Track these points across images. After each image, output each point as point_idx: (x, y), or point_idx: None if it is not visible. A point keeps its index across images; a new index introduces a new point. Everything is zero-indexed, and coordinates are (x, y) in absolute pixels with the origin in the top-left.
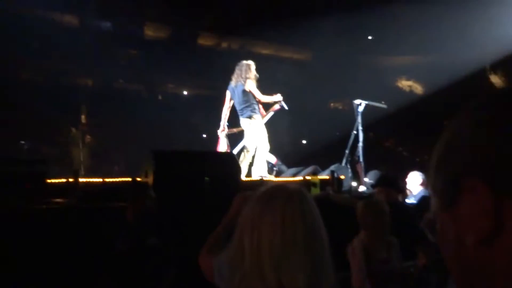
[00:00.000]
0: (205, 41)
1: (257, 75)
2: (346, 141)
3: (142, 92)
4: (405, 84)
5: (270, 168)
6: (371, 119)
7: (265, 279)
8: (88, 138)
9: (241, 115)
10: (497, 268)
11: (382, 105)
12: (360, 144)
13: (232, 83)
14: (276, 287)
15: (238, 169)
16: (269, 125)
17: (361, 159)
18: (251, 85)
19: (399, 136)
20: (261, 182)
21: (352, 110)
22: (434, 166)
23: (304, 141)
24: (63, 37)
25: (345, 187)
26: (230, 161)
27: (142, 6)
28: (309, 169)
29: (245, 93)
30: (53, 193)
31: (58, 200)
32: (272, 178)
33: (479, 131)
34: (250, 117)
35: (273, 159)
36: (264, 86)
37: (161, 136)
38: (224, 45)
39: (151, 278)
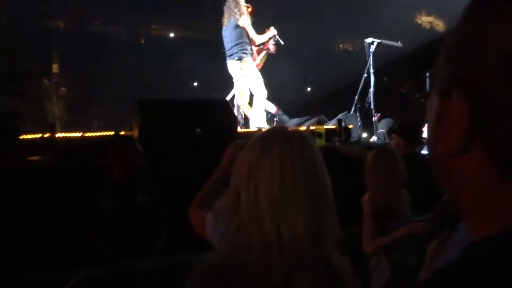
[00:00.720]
0: None
1: (250, 12)
2: (355, 86)
3: (122, 35)
4: (425, 20)
5: (270, 118)
6: (385, 61)
7: (263, 228)
8: (62, 90)
9: (229, 56)
10: (461, 181)
11: (397, 44)
12: (372, 89)
13: (224, 24)
14: (274, 235)
15: (234, 119)
16: (267, 69)
17: (372, 106)
18: (245, 21)
19: (415, 81)
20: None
21: (363, 51)
22: (440, 62)
23: (308, 88)
24: None
25: (353, 137)
26: (225, 110)
27: None
28: (314, 119)
29: (237, 29)
30: (28, 150)
31: (33, 158)
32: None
33: (475, 43)
34: (240, 59)
35: (272, 108)
36: (261, 25)
37: (145, 85)
38: None
39: (142, 237)
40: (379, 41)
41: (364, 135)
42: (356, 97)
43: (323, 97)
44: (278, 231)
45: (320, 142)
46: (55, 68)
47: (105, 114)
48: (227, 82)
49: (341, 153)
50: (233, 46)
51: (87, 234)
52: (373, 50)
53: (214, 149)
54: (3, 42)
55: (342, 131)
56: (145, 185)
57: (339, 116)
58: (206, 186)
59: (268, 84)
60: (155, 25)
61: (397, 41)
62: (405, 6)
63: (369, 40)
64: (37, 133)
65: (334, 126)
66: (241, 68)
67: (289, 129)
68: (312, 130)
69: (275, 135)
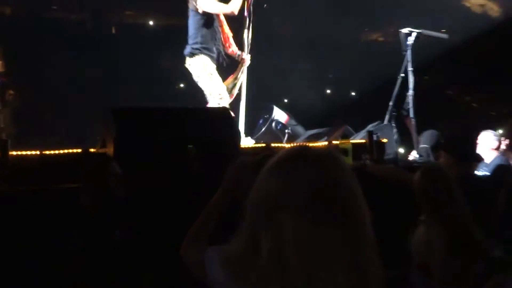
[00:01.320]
0: None
1: None
2: (389, 88)
3: (87, 23)
4: (475, 3)
5: (280, 129)
6: (426, 57)
7: (291, 281)
8: (9, 93)
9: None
10: None
11: (442, 34)
12: (410, 92)
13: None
14: None
15: (235, 132)
16: (273, 65)
17: (411, 114)
18: (205, 3)
19: (466, 81)
20: (268, 148)
21: (398, 43)
22: None
23: (327, 90)
24: None
25: (388, 154)
26: (224, 120)
27: None
28: (337, 130)
29: (196, 16)
30: None
31: None
32: (282, 144)
33: None
34: (190, 55)
35: (282, 117)
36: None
37: (118, 88)
38: None
39: (120, 284)
40: (419, 31)
41: (401, 151)
42: (390, 103)
43: (347, 101)
44: (311, 285)
45: (347, 161)
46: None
47: (65, 125)
48: None
49: (373, 175)
50: (188, 38)
51: (48, 282)
52: (411, 43)
53: (210, 170)
54: None
55: (374, 147)
56: (123, 217)
57: (369, 127)
58: (203, 216)
59: (275, 84)
60: (129, 11)
61: (442, 31)
62: None
63: (405, 30)
64: None
65: (363, 140)
66: (189, 65)
67: (315, 148)
68: (336, 145)
69: (299, 158)
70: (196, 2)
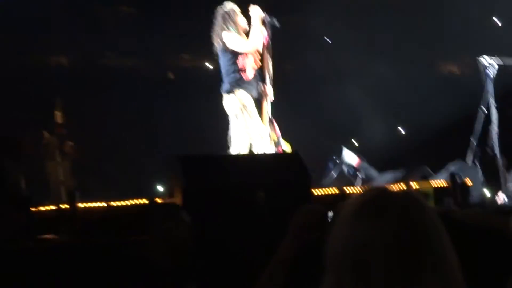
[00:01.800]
0: None
1: (245, 27)
2: (470, 124)
3: (143, 69)
4: None
5: (352, 174)
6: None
7: None
8: (68, 145)
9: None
10: None
11: None
12: (495, 128)
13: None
14: None
15: (306, 176)
16: (342, 105)
17: (497, 151)
18: (228, 39)
19: None
20: (342, 195)
21: (477, 74)
22: None
23: (401, 129)
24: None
25: (474, 197)
26: (294, 164)
27: None
28: (415, 172)
29: (226, 53)
30: (40, 225)
31: (47, 236)
32: (356, 188)
33: None
34: (228, 91)
35: (353, 160)
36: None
37: (181, 135)
38: None
39: None
40: (501, 63)
41: (488, 193)
42: (472, 140)
43: (422, 139)
44: None
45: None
46: (58, 117)
47: (126, 176)
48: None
49: (460, 222)
50: (224, 75)
51: None
52: (491, 72)
53: (281, 216)
54: None
55: (458, 190)
56: (193, 269)
57: (451, 167)
58: (271, 267)
59: (343, 122)
60: (187, 54)
61: None
62: None
63: (485, 60)
64: (52, 203)
65: (445, 183)
66: (226, 103)
67: (397, 191)
68: (416, 189)
69: (383, 203)
70: (222, 40)
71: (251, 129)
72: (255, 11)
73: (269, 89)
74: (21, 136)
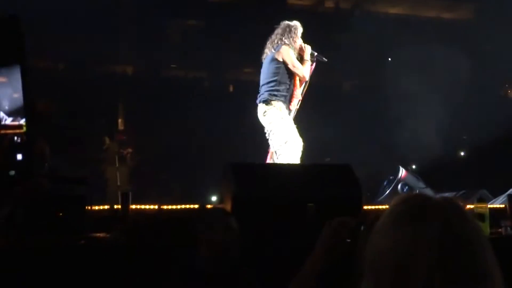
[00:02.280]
0: None
1: (304, 45)
2: None
3: (204, 81)
4: None
5: (407, 192)
6: None
7: None
8: (126, 152)
9: (258, 98)
10: None
11: None
12: None
13: (263, 58)
14: None
15: (357, 190)
16: (401, 124)
17: None
18: (285, 52)
19: None
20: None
21: None
22: None
23: (462, 152)
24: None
25: None
26: (347, 179)
27: None
28: (472, 195)
29: (272, 64)
30: (94, 224)
31: (99, 234)
32: None
33: None
34: (266, 101)
35: (411, 180)
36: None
37: (235, 145)
38: (329, 4)
39: None
40: None
41: None
42: None
43: (484, 163)
44: None
45: (484, 227)
46: (120, 123)
47: (181, 184)
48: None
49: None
50: (263, 85)
51: None
52: None
53: None
54: (58, 90)
55: None
56: (238, 276)
57: (510, 191)
58: (301, 277)
59: (403, 145)
60: (248, 68)
61: None
62: None
63: None
64: (106, 203)
65: (502, 205)
66: (264, 113)
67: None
68: (471, 209)
69: (425, 210)
70: (277, 49)
71: (286, 135)
72: (308, 47)
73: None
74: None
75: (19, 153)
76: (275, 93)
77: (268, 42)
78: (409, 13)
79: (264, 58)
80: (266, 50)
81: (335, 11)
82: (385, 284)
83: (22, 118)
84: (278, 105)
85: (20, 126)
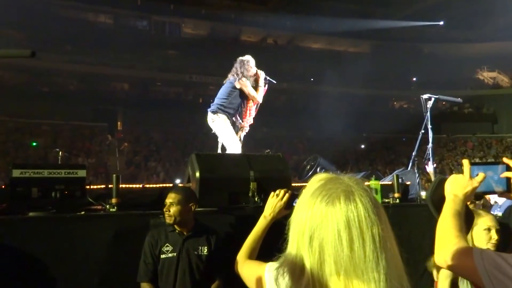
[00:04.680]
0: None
1: (259, 72)
2: (413, 143)
3: (181, 94)
4: (487, 76)
5: (319, 171)
6: (447, 117)
7: None
8: (124, 145)
9: (209, 107)
10: None
11: (457, 99)
12: (430, 145)
13: (226, 79)
14: None
15: (287, 171)
16: (321, 126)
17: (431, 162)
18: (244, 83)
19: (480, 139)
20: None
21: (420, 108)
22: None
23: (362, 145)
24: (97, 39)
25: (412, 194)
26: (279, 163)
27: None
28: (371, 174)
29: (230, 87)
30: (93, 199)
31: (97, 207)
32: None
33: None
34: (214, 112)
35: (327, 165)
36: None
37: (205, 142)
38: (270, 41)
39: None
40: (437, 97)
41: (423, 193)
42: (413, 153)
43: (377, 153)
44: None
45: (377, 198)
46: (118, 125)
47: (164, 169)
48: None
49: None
50: (217, 99)
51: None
52: (430, 106)
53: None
54: (74, 101)
55: (400, 188)
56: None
57: (396, 171)
58: (252, 236)
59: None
60: (212, 86)
61: (457, 97)
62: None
63: (425, 96)
64: (100, 184)
65: (390, 182)
66: (212, 121)
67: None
68: (368, 185)
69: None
70: (238, 80)
71: (230, 140)
72: (262, 73)
73: (246, 126)
74: None
75: None
76: (223, 108)
77: (230, 73)
78: (326, 48)
79: (225, 82)
80: (229, 76)
81: (275, 46)
82: (303, 244)
83: None
84: (222, 117)
85: None
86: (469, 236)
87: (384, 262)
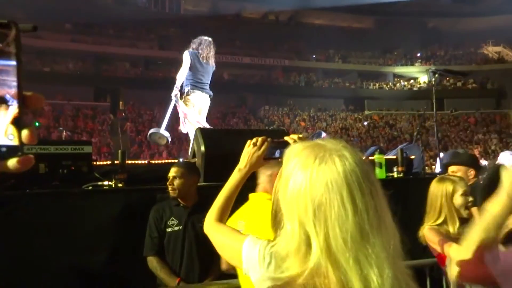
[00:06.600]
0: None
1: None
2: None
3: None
4: (492, 50)
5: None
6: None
7: (345, 277)
8: (126, 125)
9: (207, 90)
10: None
11: (461, 74)
12: (434, 119)
13: (210, 62)
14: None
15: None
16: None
17: (435, 137)
18: (184, 55)
19: (484, 115)
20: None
21: (423, 85)
22: None
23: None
24: (97, 16)
25: (416, 168)
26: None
27: None
28: (371, 149)
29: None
30: (100, 175)
31: (104, 182)
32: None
33: None
34: (210, 96)
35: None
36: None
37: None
38: (271, 17)
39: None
40: (442, 69)
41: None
42: (417, 128)
43: (383, 128)
44: (363, 279)
45: (382, 172)
46: (120, 105)
47: (166, 147)
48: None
49: None
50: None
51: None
52: (436, 79)
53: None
54: (78, 82)
55: (404, 161)
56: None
57: (400, 146)
58: (224, 193)
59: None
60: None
61: (464, 71)
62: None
63: (433, 68)
64: (105, 160)
65: (394, 157)
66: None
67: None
68: (372, 159)
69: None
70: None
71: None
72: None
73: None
74: None
75: None
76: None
77: (211, 56)
78: (329, 24)
79: (210, 65)
80: (210, 61)
81: (276, 22)
82: (307, 219)
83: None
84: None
85: None
86: (450, 203)
87: (387, 223)
